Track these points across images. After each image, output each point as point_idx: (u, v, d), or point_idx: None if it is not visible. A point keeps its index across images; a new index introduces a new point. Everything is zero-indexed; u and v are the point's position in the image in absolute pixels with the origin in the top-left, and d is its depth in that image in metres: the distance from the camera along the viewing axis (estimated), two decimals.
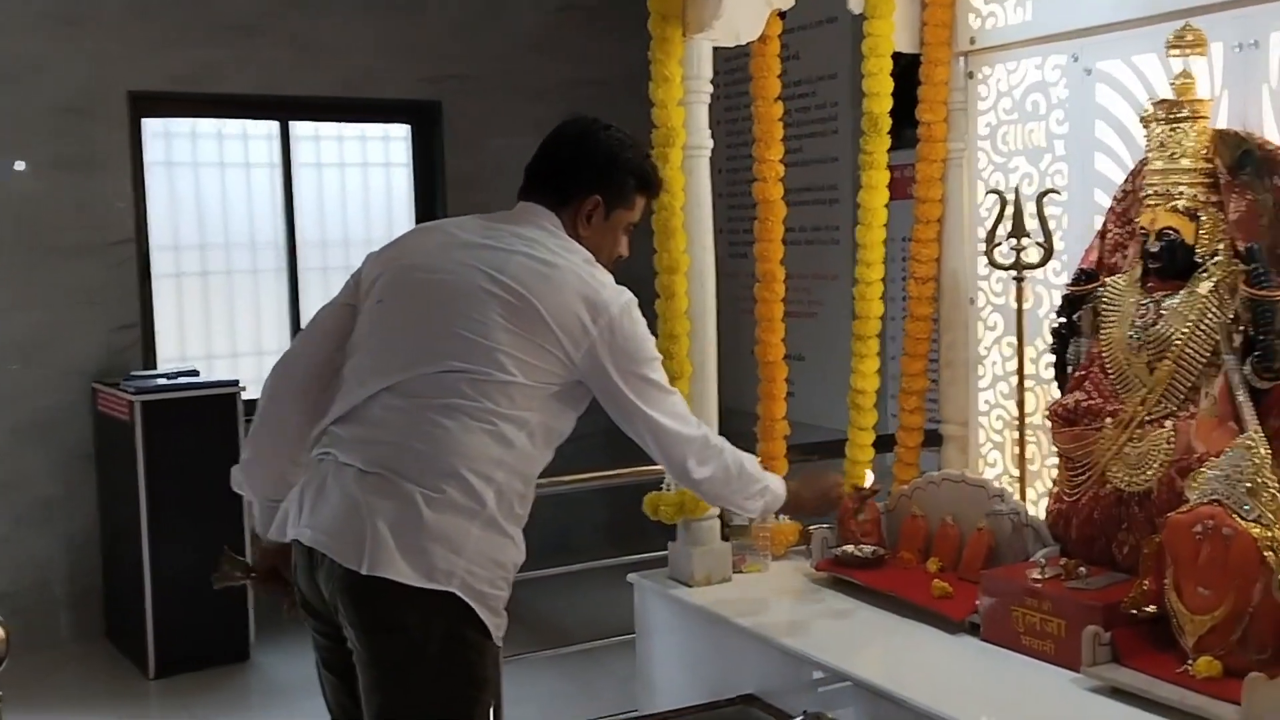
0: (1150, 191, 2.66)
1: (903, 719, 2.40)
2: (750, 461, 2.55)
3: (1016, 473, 3.17)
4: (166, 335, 5.93)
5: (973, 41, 3.31)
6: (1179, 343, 2.56)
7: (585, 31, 6.56)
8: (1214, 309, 2.53)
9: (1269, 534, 2.19)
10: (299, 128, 6.21)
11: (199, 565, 4.98)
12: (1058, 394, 2.90)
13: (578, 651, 4.13)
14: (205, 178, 6.06)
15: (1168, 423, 2.55)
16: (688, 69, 2.99)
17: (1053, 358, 2.95)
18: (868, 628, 2.82)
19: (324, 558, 2.21)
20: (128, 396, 5.11)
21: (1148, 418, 2.59)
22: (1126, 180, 2.86)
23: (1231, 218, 2.56)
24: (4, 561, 5.41)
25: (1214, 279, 2.56)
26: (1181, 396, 2.56)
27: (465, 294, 2.27)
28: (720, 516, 3.12)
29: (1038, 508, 3.02)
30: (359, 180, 6.46)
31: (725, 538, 3.14)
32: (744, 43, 3.12)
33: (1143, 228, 2.67)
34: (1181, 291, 2.59)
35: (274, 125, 6.14)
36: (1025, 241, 3.08)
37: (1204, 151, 2.60)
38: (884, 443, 3.49)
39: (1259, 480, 2.24)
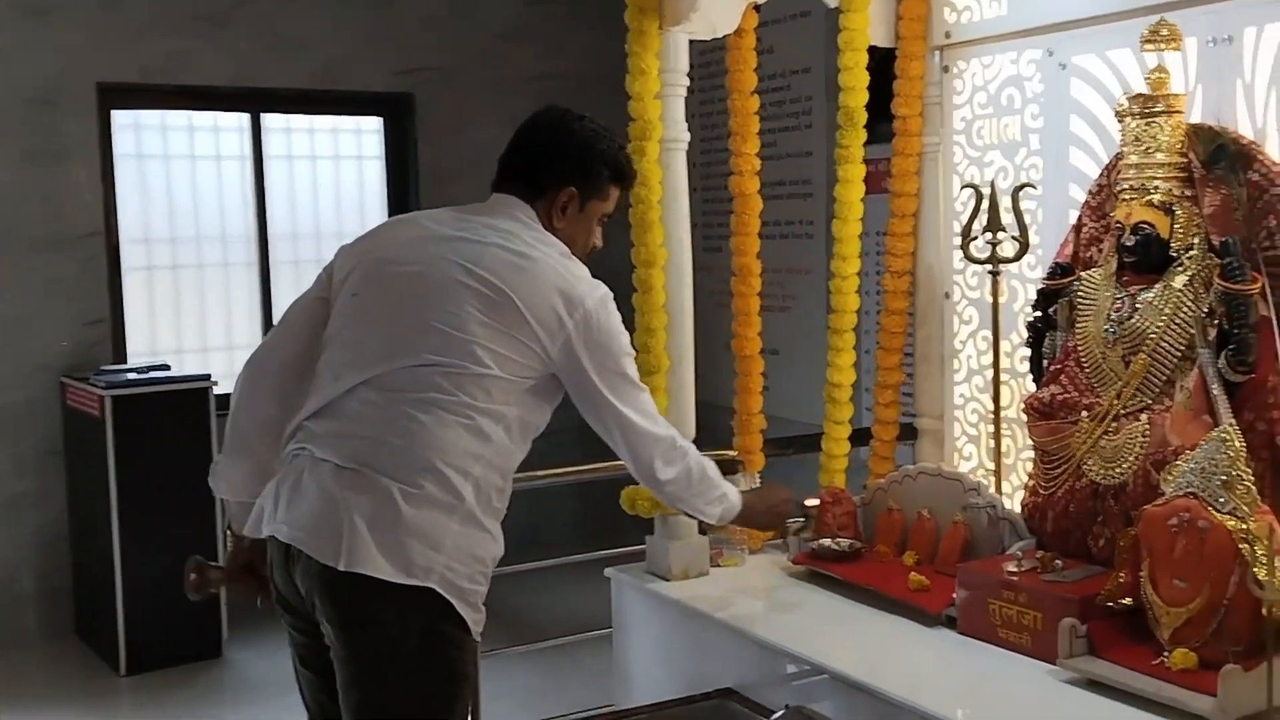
0: (1125, 186, 2.67)
1: (880, 712, 2.41)
2: (712, 467, 2.55)
3: (991, 466, 3.18)
4: (137, 329, 5.87)
5: (948, 36, 3.32)
6: (1154, 336, 2.58)
7: (559, 24, 6.54)
8: (1189, 303, 2.55)
9: (1244, 526, 2.20)
10: (270, 120, 6.16)
11: (170, 561, 4.92)
12: (1033, 388, 2.91)
13: (552, 647, 4.12)
14: (176, 170, 5.99)
15: (1143, 416, 2.57)
16: (664, 62, 2.99)
17: (1028, 351, 2.96)
18: (845, 621, 2.82)
19: (301, 554, 2.19)
20: (98, 391, 5.06)
21: (1123, 411, 2.61)
22: (1101, 174, 2.87)
23: (1206, 212, 2.57)
24: None
25: (1189, 273, 2.57)
26: (1157, 390, 2.57)
27: (440, 287, 2.25)
28: None
29: (1013, 501, 3.03)
30: (331, 173, 6.41)
31: (703, 532, 3.13)
32: (720, 36, 3.12)
33: (1118, 222, 2.68)
34: (1157, 285, 2.61)
35: (245, 117, 6.08)
36: (1001, 236, 3.09)
37: (1179, 146, 2.61)
38: (859, 436, 3.50)
39: (1234, 473, 2.26)
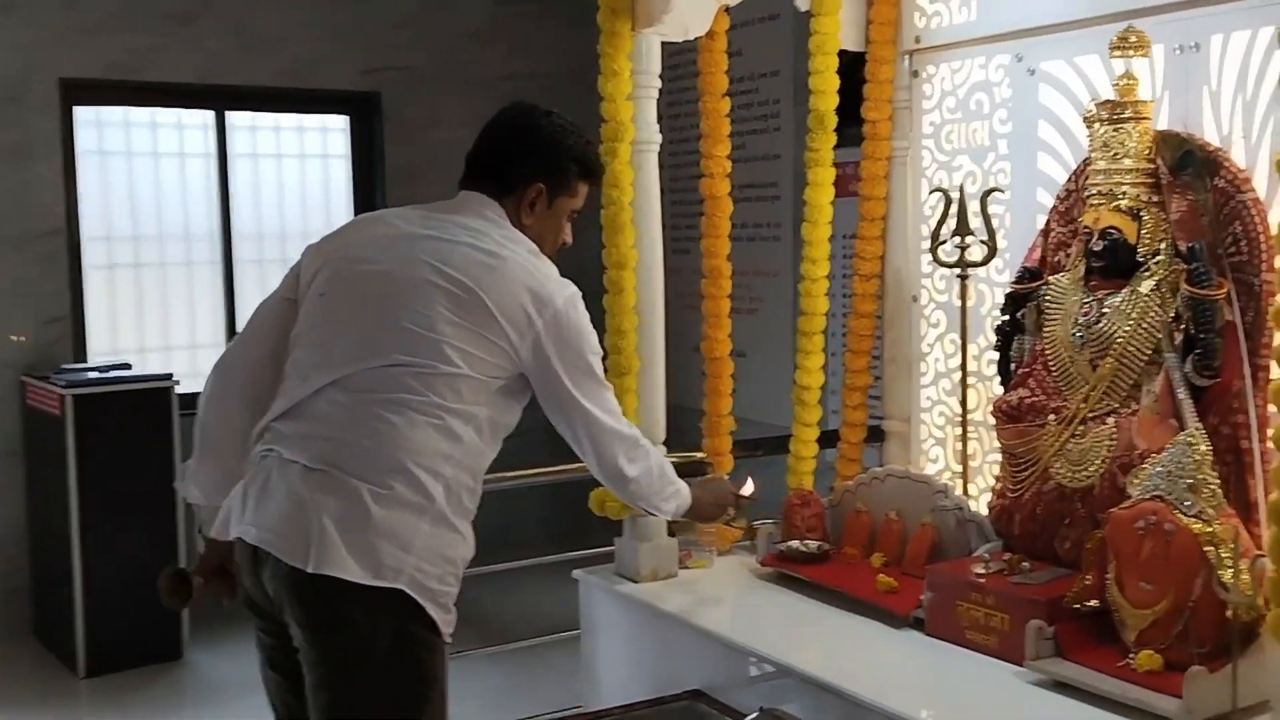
0: (1094, 191, 2.69)
1: (847, 713, 2.41)
2: (668, 465, 2.56)
3: (958, 469, 3.20)
4: (98, 328, 5.81)
5: (918, 40, 3.34)
6: (1121, 341, 2.60)
7: (527, 24, 6.52)
8: (1156, 308, 2.57)
9: (1209, 529, 2.23)
10: (235, 117, 6.12)
11: (131, 562, 4.97)
12: (1000, 391, 2.93)
13: (520, 648, 4.10)
14: (139, 167, 5.93)
15: (1110, 420, 2.59)
16: (637, 63, 2.99)
17: (995, 355, 2.98)
18: (813, 623, 2.83)
19: (269, 556, 2.17)
20: (58, 390, 5.00)
21: (1090, 415, 2.63)
22: (1069, 179, 2.89)
23: (1173, 217, 2.60)
24: None
25: (1156, 278, 2.59)
26: (1123, 394, 2.60)
27: (409, 286, 2.24)
28: None
29: (979, 503, 3.05)
30: (296, 172, 6.37)
31: (671, 533, 3.14)
32: (692, 38, 3.12)
33: (1086, 227, 2.70)
34: (1124, 290, 2.63)
35: (209, 115, 6.03)
36: (969, 240, 3.11)
37: (1146, 152, 2.64)
38: (827, 438, 3.51)
39: (1200, 476, 2.28)
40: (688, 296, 3.81)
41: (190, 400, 5.10)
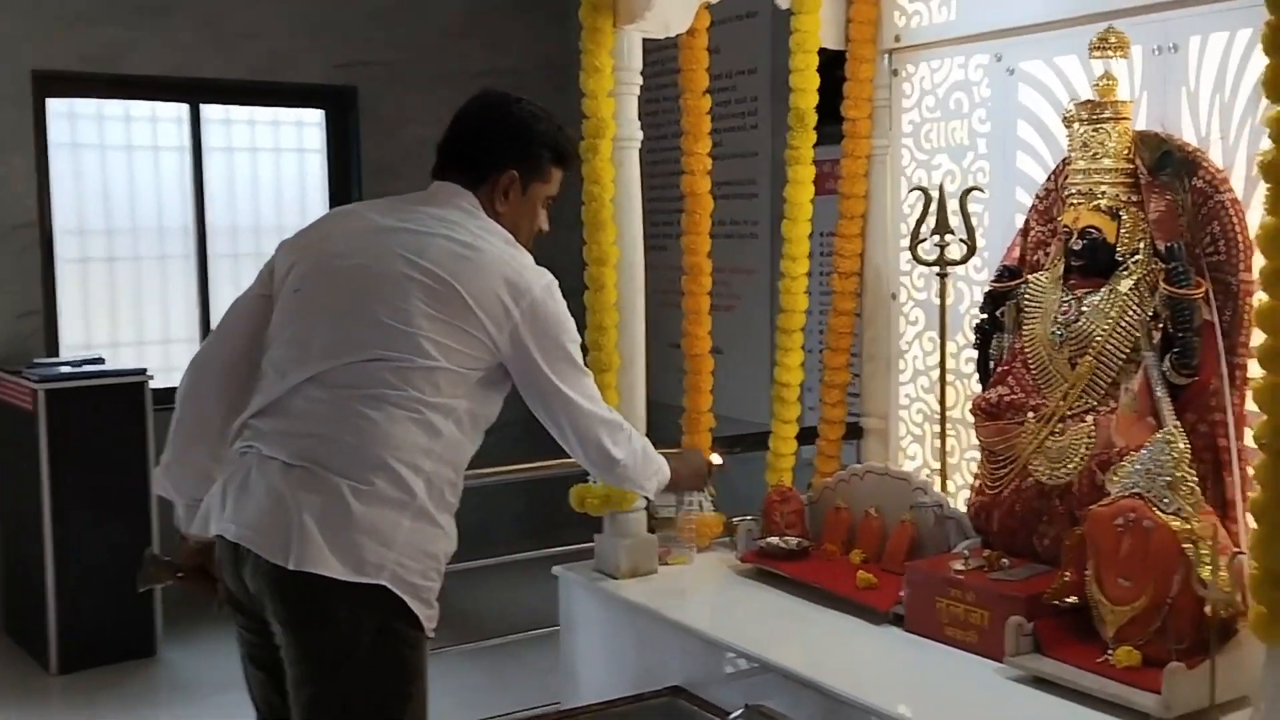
0: (1073, 190, 2.71)
1: (827, 708, 2.42)
2: (649, 444, 2.57)
3: (936, 465, 3.22)
4: (71, 322, 5.76)
5: (898, 39, 3.35)
6: (1100, 339, 2.61)
7: (504, 19, 6.51)
8: (1134, 306, 2.59)
9: (1188, 526, 2.24)
10: (210, 111, 6.07)
11: (104, 558, 4.93)
12: (978, 388, 2.95)
13: (495, 645, 4.09)
14: (112, 161, 5.89)
15: (1088, 417, 2.60)
16: (618, 60, 2.98)
17: (974, 353, 2.99)
18: (793, 619, 2.84)
19: (249, 553, 2.17)
20: (30, 385, 4.95)
21: (1069, 412, 2.64)
22: (1048, 179, 2.91)
23: (1151, 217, 2.61)
24: None
25: (1134, 277, 2.61)
26: (1102, 392, 2.61)
27: (385, 280, 2.23)
28: (646, 509, 3.13)
29: (956, 500, 3.06)
30: (271, 166, 6.34)
31: (651, 530, 3.14)
32: (673, 35, 3.12)
33: (1065, 226, 2.72)
34: (1103, 289, 2.65)
35: (184, 108, 5.99)
36: (949, 238, 3.12)
37: (1125, 152, 2.65)
38: (805, 435, 3.52)
39: (1178, 474, 2.30)
40: (665, 293, 3.82)
41: (165, 395, 5.06)
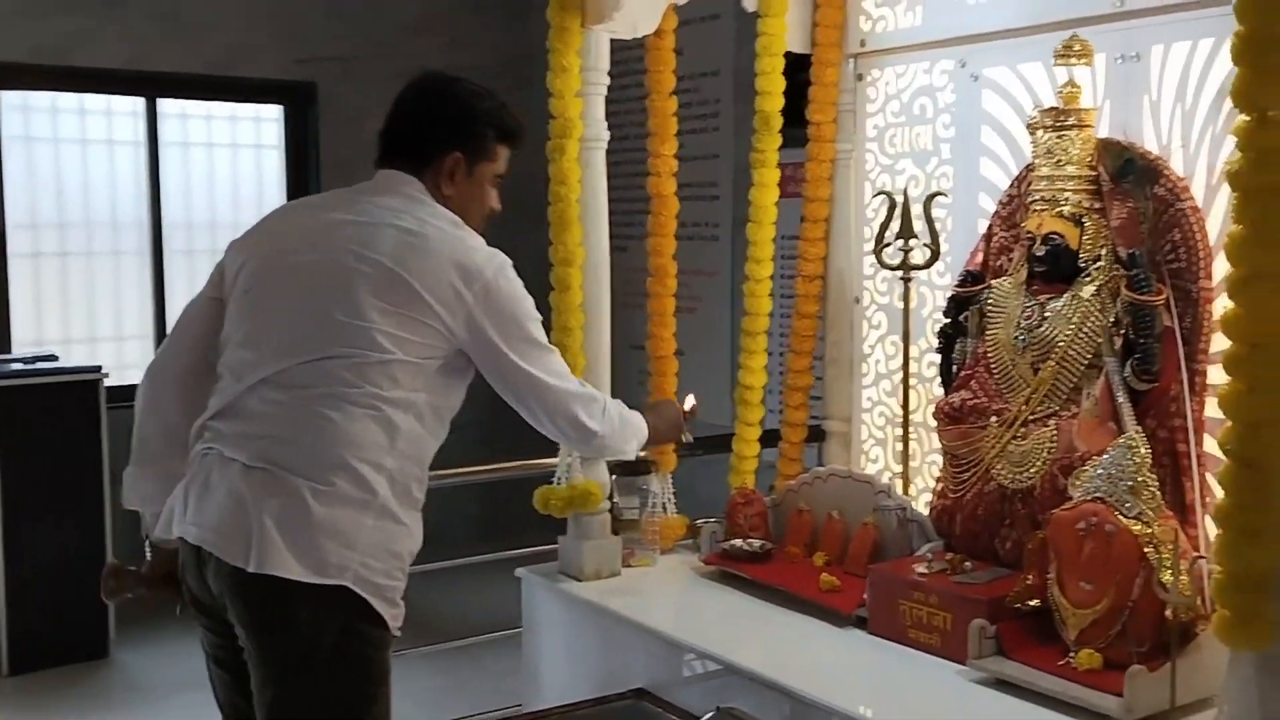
0: (1037, 197, 2.73)
1: (792, 711, 2.43)
2: (622, 407, 2.55)
3: (898, 469, 3.23)
4: (22, 318, 5.68)
5: (863, 44, 3.36)
6: (1062, 344, 2.64)
7: (464, 16, 6.49)
8: (1096, 312, 2.61)
9: (1149, 531, 2.27)
10: (166, 105, 6.02)
11: (57, 558, 4.86)
12: (940, 392, 2.96)
13: (453, 648, 4.07)
14: (66, 154, 5.82)
15: (1051, 422, 2.63)
16: (585, 60, 2.98)
17: (937, 357, 3.01)
18: (756, 621, 2.84)
19: (211, 555, 2.15)
20: None
21: (1031, 417, 2.66)
22: (1012, 185, 2.93)
23: (1113, 224, 2.64)
24: None
25: (1097, 283, 2.64)
26: (1064, 397, 2.64)
27: (333, 275, 2.21)
28: (610, 511, 3.12)
29: (918, 503, 3.08)
30: (228, 161, 6.28)
31: (615, 532, 3.14)
32: (640, 35, 3.12)
33: (1029, 232, 2.74)
34: (1065, 295, 2.67)
35: (140, 102, 5.92)
36: (913, 243, 3.14)
37: (1089, 159, 2.67)
38: (767, 438, 3.53)
39: (1140, 479, 2.32)
40: (627, 295, 3.81)
41: (118, 393, 5.00)
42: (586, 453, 2.54)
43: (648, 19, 3.09)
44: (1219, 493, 1.95)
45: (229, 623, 2.17)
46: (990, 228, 2.96)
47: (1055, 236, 2.68)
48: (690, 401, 2.86)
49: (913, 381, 3.20)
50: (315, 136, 6.26)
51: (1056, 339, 2.65)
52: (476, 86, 2.42)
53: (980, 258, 2.95)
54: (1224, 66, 2.53)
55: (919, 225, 3.13)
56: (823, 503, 3.09)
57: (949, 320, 2.94)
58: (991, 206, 3.00)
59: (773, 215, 3.33)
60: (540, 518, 3.10)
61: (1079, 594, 2.33)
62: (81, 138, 5.85)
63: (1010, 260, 2.86)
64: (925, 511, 2.92)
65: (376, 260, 2.19)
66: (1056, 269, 2.68)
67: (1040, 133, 2.73)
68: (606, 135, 3.04)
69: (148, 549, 2.42)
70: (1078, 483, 2.42)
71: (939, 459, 2.94)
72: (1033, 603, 2.44)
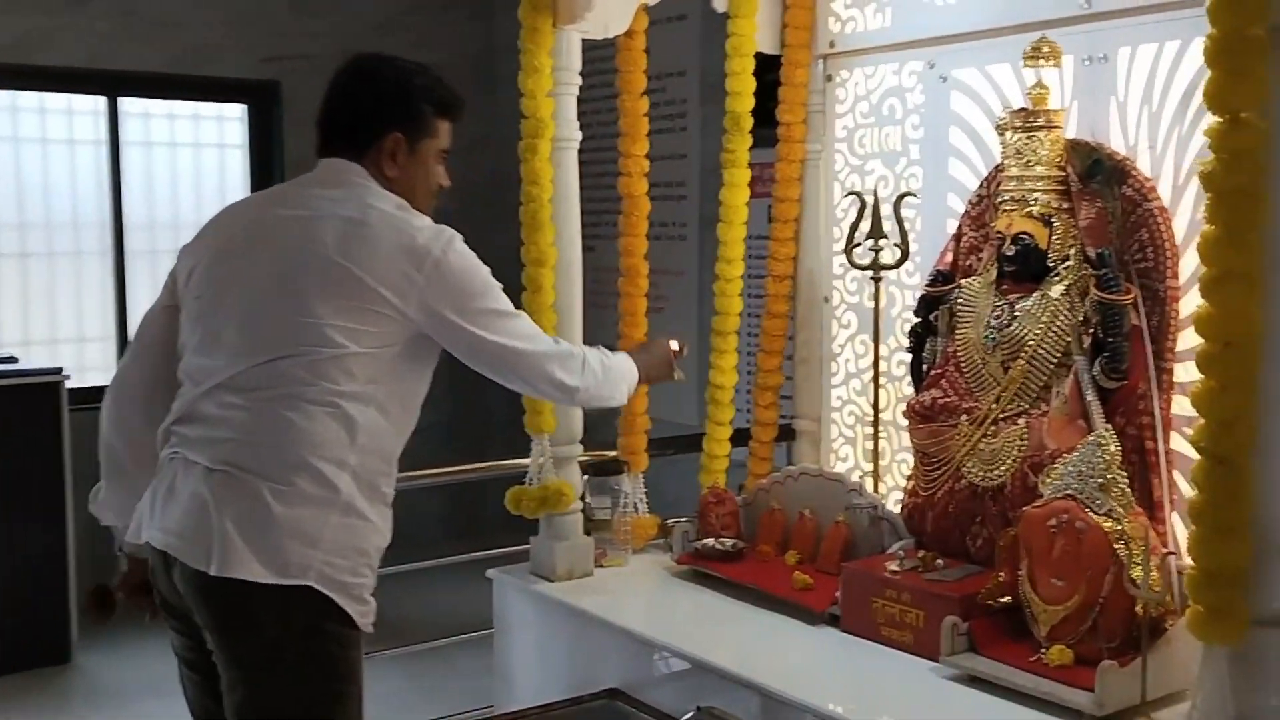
0: (1006, 197, 2.75)
1: (765, 709, 2.44)
2: (604, 355, 2.51)
3: (868, 467, 3.25)
4: None
5: (832, 45, 3.38)
6: (1032, 343, 2.66)
7: (430, 15, 6.47)
8: (1065, 311, 2.64)
9: (1119, 527, 2.29)
10: (128, 104, 5.96)
11: (18, 562, 4.79)
12: (910, 391, 2.98)
13: (423, 650, 4.05)
14: (26, 154, 5.76)
15: (1021, 420, 2.65)
16: (557, 60, 2.98)
17: (907, 356, 3.03)
18: (729, 620, 2.85)
19: (176, 559, 2.14)
20: None
21: (1002, 415, 2.68)
22: (981, 185, 2.95)
23: (1082, 224, 2.66)
24: None
25: (1066, 282, 2.66)
26: (1034, 395, 2.66)
27: (281, 274, 2.19)
28: (583, 511, 3.12)
29: (888, 501, 3.10)
30: (191, 161, 6.23)
31: (588, 532, 3.13)
32: (611, 36, 3.12)
33: (998, 232, 2.76)
34: (1035, 294, 2.69)
35: (102, 100, 5.86)
36: (882, 243, 3.16)
37: (1057, 160, 2.70)
38: (738, 437, 3.53)
39: (1110, 476, 2.35)
40: (596, 295, 3.80)
41: (80, 395, 4.94)
42: (576, 406, 2.50)
43: (619, 19, 3.09)
44: (1186, 489, 1.98)
45: (198, 625, 2.16)
46: (960, 228, 2.98)
47: (1024, 236, 2.70)
48: (674, 344, 2.84)
49: (882, 380, 3.22)
50: (279, 136, 6.22)
51: (1026, 338, 2.67)
52: (409, 63, 2.37)
53: (950, 257, 2.97)
54: (1190, 68, 2.57)
55: (889, 225, 3.15)
56: (794, 501, 3.10)
57: (919, 320, 2.95)
58: (960, 207, 3.02)
59: (743, 215, 3.34)
60: (509, 518, 3.09)
61: (1050, 590, 2.35)
62: (42, 137, 5.80)
63: (980, 260, 2.88)
64: (896, 510, 2.94)
65: (322, 254, 2.17)
66: (1026, 268, 2.71)
67: (1009, 133, 2.75)
68: (578, 135, 3.04)
69: (122, 560, 2.40)
70: (1048, 480, 2.44)
71: (909, 457, 2.96)
72: (1004, 600, 2.46)
